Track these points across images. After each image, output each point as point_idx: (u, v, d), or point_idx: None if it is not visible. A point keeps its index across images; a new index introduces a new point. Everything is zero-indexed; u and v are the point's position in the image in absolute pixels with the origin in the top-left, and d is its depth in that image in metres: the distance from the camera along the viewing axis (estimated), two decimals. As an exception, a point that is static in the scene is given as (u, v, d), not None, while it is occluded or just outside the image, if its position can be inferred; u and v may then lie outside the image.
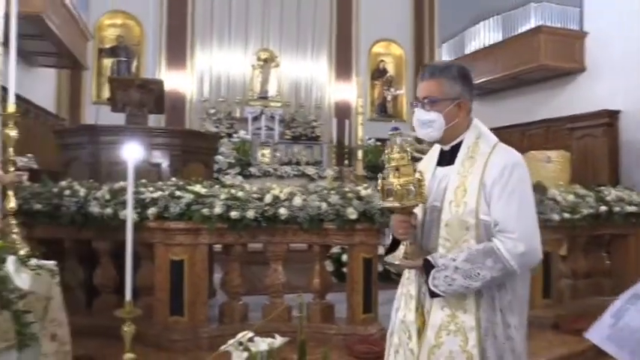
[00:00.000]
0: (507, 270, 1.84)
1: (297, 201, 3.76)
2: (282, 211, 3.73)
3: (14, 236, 3.00)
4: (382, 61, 14.34)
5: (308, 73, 13.31)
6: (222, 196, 3.73)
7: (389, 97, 14.27)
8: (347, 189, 3.96)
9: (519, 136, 10.69)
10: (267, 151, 11.46)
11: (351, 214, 3.76)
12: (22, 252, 2.93)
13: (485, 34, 10.94)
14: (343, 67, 13.61)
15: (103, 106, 8.61)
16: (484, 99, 11.98)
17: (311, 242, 4.03)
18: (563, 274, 4.91)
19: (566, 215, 4.56)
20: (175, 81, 12.02)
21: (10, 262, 2.69)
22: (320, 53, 13.50)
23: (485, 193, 1.88)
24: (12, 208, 2.99)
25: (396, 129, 1.92)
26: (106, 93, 12.00)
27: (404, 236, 1.96)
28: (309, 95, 13.33)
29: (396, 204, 1.89)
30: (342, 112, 13.18)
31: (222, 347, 2.33)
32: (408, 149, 1.92)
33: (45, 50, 8.59)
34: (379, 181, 1.95)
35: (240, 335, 2.38)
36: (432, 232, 1.99)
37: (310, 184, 4.85)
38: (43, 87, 10.10)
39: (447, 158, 2.04)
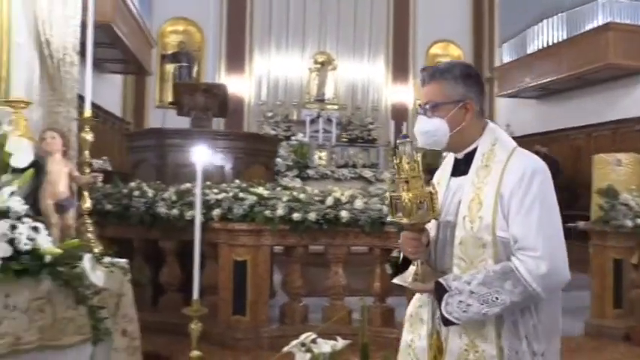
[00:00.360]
0: (529, 293, 1.62)
1: (359, 204, 3.76)
2: (344, 213, 3.74)
3: (89, 235, 3.14)
4: (440, 62, 14.14)
5: (365, 76, 13.30)
6: (285, 198, 3.78)
7: (447, 99, 14.03)
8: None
9: (585, 138, 10.28)
10: (323, 154, 11.52)
11: (414, 217, 3.72)
12: (96, 250, 3.07)
13: (548, 33, 10.58)
14: (400, 68, 13.51)
15: (168, 110, 8.89)
16: (547, 100, 11.60)
17: (372, 245, 4.02)
18: (636, 284, 4.67)
19: (640, 221, 4.34)
20: (234, 85, 12.27)
21: (86, 260, 2.82)
22: (377, 55, 13.46)
23: (503, 206, 1.67)
24: (87, 208, 3.13)
25: (405, 137, 1.73)
26: (169, 97, 12.43)
27: (414, 255, 1.76)
28: (365, 98, 13.31)
29: (405, 220, 1.69)
30: (399, 114, 13.08)
31: (286, 348, 2.36)
32: (419, 160, 1.71)
33: (113, 57, 8.99)
34: (387, 193, 1.82)
35: (303, 337, 2.40)
36: (445, 251, 1.79)
37: (370, 187, 4.83)
38: (110, 92, 10.57)
39: (461, 168, 1.84)
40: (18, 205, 2.68)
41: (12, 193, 2.67)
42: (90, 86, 3.15)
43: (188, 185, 3.99)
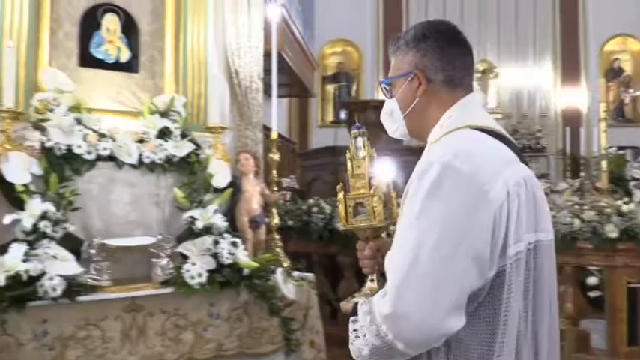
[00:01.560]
0: (382, 338, 1.13)
1: (545, 217, 3.50)
2: (529, 228, 3.50)
3: (278, 250, 3.34)
4: (617, 59, 12.80)
5: (530, 81, 12.53)
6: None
7: (627, 100, 12.63)
8: (603, 204, 3.57)
9: None
10: (488, 165, 11.06)
11: (611, 232, 3.36)
12: (285, 264, 3.25)
13: None
14: (570, 70, 12.49)
15: (338, 128, 9.23)
16: None
17: (562, 263, 3.70)
18: None
19: None
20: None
21: (279, 273, 3.00)
22: (543, 58, 12.61)
23: (402, 212, 1.24)
24: (276, 224, 3.34)
25: (359, 127, 1.43)
26: (330, 116, 12.96)
27: (363, 269, 1.44)
28: (532, 104, 12.53)
29: (340, 225, 1.43)
30: (572, 119, 12.05)
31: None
32: (366, 154, 1.41)
33: (280, 82, 9.59)
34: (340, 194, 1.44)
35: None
36: None
37: (557, 200, 4.49)
38: (277, 114, 11.27)
39: None
40: (220, 221, 2.95)
41: (215, 211, 2.94)
42: (275, 111, 3.39)
43: (363, 201, 4.06)
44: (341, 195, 1.38)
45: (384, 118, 1.45)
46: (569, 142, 10.18)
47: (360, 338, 1.20)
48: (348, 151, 1.42)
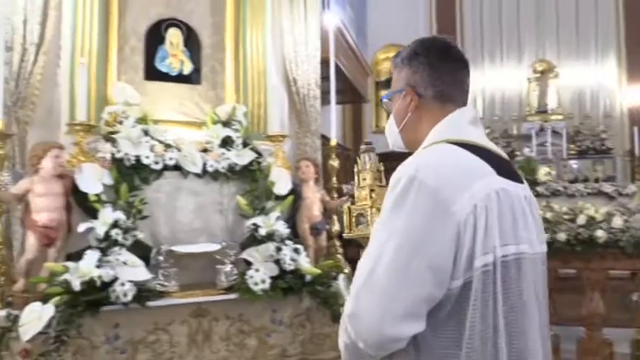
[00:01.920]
0: (349, 336, 1.17)
1: (617, 222, 3.34)
2: (600, 233, 3.35)
3: (338, 256, 3.35)
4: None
5: (592, 80, 12.03)
6: (529, 218, 3.55)
7: (700, 96, 11.91)
8: (681, 207, 3.38)
9: None
10: (547, 169, 10.65)
11: (690, 236, 3.18)
12: (346, 270, 3.25)
13: None
14: (636, 67, 11.90)
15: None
16: None
17: (636, 269, 3.53)
18: None
19: None
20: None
21: (341, 280, 2.99)
22: (606, 55, 12.09)
23: None
24: (336, 230, 3.35)
25: (367, 144, 1.58)
26: (384, 122, 12.90)
27: None
28: (595, 104, 12.01)
29: (344, 234, 1.55)
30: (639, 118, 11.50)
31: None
32: (370, 169, 1.53)
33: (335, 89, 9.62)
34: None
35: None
36: None
37: (629, 204, 4.28)
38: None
39: None
40: (282, 228, 2.97)
41: (277, 218, 2.97)
42: (334, 118, 3.39)
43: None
44: (346, 206, 1.55)
45: (386, 131, 1.52)
46: (637, 143, 9.68)
47: (341, 336, 1.24)
48: (356, 166, 1.57)
